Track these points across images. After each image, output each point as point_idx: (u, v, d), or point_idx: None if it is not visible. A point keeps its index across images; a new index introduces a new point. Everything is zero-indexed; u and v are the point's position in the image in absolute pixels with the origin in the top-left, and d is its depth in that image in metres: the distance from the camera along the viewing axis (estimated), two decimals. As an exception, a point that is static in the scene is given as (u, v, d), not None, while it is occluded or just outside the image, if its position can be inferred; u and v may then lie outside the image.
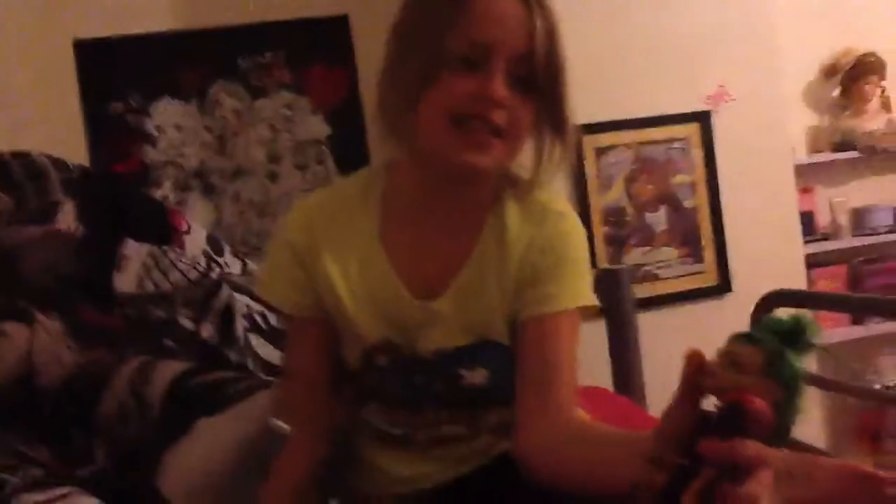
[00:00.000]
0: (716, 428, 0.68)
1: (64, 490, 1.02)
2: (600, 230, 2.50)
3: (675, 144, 2.58)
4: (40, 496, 0.99)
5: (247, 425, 1.25)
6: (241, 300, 1.60)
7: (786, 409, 0.68)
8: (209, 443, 1.22)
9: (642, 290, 2.36)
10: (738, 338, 0.70)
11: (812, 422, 2.57)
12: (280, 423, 1.07)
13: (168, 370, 1.29)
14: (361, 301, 1.06)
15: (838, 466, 1.14)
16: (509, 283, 1.05)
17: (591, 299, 1.07)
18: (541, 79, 0.98)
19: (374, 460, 1.14)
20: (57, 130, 2.54)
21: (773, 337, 0.68)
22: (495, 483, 1.07)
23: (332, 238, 1.07)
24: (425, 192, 1.07)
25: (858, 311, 2.69)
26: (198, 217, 2.48)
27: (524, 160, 1.08)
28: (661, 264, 2.55)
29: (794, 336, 0.68)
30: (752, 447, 0.65)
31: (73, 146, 2.49)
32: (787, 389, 0.67)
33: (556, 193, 1.13)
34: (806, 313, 0.70)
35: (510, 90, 0.96)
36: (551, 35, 0.98)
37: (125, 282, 1.50)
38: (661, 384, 2.13)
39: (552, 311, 1.03)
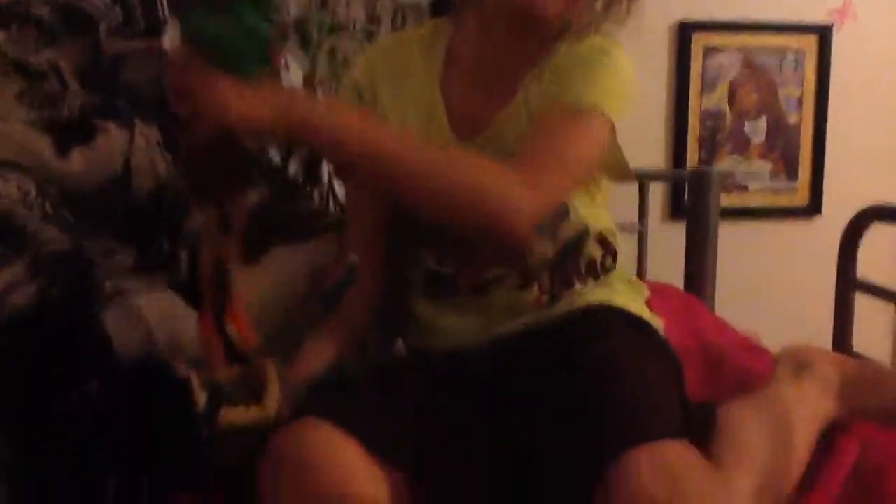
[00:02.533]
0: None
1: (151, 281, 1.07)
2: (695, 131, 2.42)
3: (789, 56, 2.45)
4: (130, 284, 1.04)
5: (320, 258, 1.28)
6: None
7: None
8: (283, 270, 1.26)
9: (728, 200, 2.30)
10: None
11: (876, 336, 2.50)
12: (355, 258, 1.10)
13: (254, 195, 1.32)
14: None
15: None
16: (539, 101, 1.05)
17: (610, 108, 1.01)
18: None
19: (424, 312, 1.17)
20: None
21: None
22: (543, 349, 1.08)
23: (392, 79, 1.11)
24: (488, 45, 1.08)
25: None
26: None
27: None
28: (752, 175, 2.47)
29: None
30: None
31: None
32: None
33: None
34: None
35: None
36: None
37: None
38: (730, 294, 2.12)
39: (558, 102, 1.01)
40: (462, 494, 0.91)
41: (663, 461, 0.83)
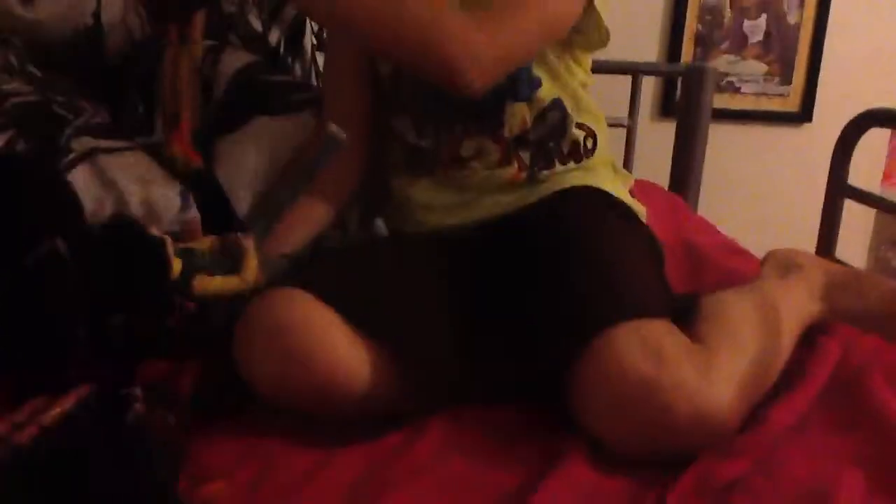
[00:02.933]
0: None
1: (126, 143, 1.01)
2: (692, 27, 2.34)
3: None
4: (102, 142, 0.98)
5: (301, 132, 1.23)
6: (314, 15, 1.53)
7: None
8: (263, 141, 1.21)
9: (719, 101, 2.25)
10: None
11: (855, 242, 2.52)
12: (336, 130, 1.05)
13: (236, 59, 1.25)
14: None
15: (889, 285, 1.13)
16: None
17: None
18: None
19: (402, 187, 1.14)
20: None
21: None
22: (528, 229, 1.06)
23: None
24: None
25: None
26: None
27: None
28: (745, 77, 2.41)
29: None
30: None
31: None
32: None
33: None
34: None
35: None
36: None
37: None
38: (714, 195, 2.10)
39: None
40: (442, 367, 0.90)
41: (649, 338, 0.82)
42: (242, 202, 1.17)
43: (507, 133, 1.08)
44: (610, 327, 0.83)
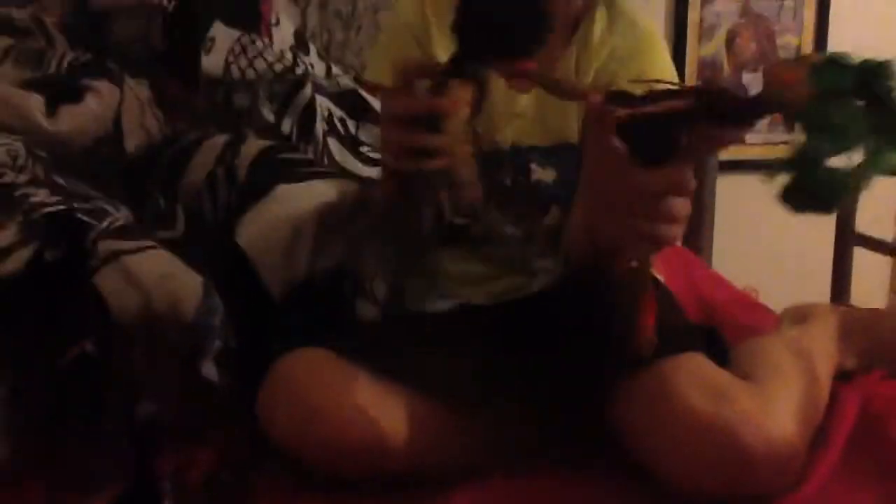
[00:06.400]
0: None
1: (148, 243, 1.05)
2: (692, 81, 2.39)
3: (787, 2, 2.42)
4: (125, 244, 1.02)
5: (329, 193, 1.25)
6: (323, 102, 1.59)
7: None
8: (287, 204, 1.23)
9: (725, 153, 2.27)
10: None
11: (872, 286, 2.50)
12: None
13: (255, 145, 1.29)
14: None
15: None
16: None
17: None
18: None
19: (434, 260, 1.16)
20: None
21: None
22: (538, 315, 1.08)
23: (441, 24, 1.06)
24: None
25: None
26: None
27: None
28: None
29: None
30: None
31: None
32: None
33: (646, 14, 1.16)
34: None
35: None
36: None
37: (212, 64, 1.49)
38: (729, 248, 2.11)
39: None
40: (470, 400, 0.93)
41: (697, 372, 0.86)
42: (270, 270, 1.18)
43: (538, 226, 1.10)
44: (657, 360, 0.86)
